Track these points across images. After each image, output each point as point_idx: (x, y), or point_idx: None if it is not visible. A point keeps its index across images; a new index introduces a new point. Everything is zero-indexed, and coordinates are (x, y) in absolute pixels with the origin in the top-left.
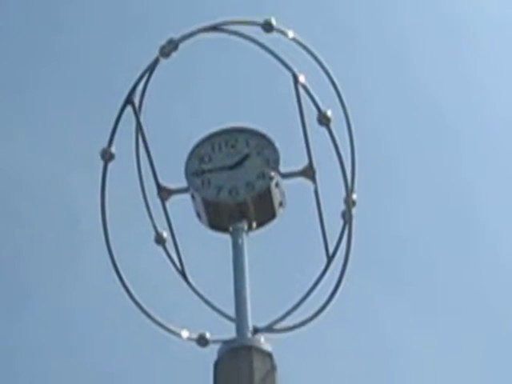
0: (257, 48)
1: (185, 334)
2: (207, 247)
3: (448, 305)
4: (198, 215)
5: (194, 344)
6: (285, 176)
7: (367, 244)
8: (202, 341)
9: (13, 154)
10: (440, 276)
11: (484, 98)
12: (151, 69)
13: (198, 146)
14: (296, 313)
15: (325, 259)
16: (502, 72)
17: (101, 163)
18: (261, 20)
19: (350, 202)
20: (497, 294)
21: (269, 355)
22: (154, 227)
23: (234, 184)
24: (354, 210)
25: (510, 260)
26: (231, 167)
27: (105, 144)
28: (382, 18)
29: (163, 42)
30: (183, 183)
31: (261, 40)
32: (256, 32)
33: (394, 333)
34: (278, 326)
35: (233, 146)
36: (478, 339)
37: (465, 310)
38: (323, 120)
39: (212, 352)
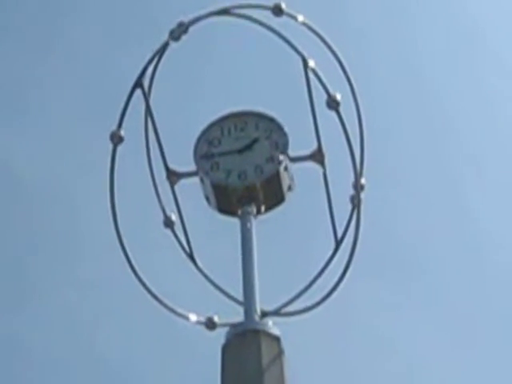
0: (266, 32)
1: (193, 317)
2: (216, 231)
3: (458, 299)
4: (207, 199)
5: (202, 327)
6: (294, 160)
7: (376, 229)
8: (210, 324)
9: (16, 151)
10: (450, 269)
11: (493, 94)
12: (161, 52)
13: (207, 129)
14: (304, 297)
15: (333, 244)
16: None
17: (110, 147)
18: (271, 4)
19: (358, 187)
20: (505, 295)
21: (276, 339)
22: (163, 210)
23: (242, 168)
24: (362, 195)
25: None
26: (240, 151)
27: (113, 128)
28: (393, 7)
29: (173, 25)
30: (192, 167)
31: (271, 24)
32: (266, 16)
33: (399, 320)
34: (285, 310)
35: (242, 130)
36: (485, 337)
37: (473, 308)
38: (332, 104)
39: (220, 335)
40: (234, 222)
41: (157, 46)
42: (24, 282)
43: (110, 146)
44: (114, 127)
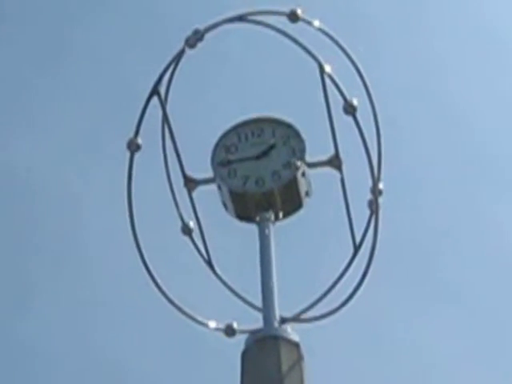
0: (282, 38)
1: (212, 324)
2: (234, 237)
3: (479, 305)
4: (225, 205)
5: (221, 334)
6: (311, 166)
7: (394, 234)
8: (229, 331)
9: (19, 153)
10: (471, 273)
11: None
12: (177, 59)
13: (224, 136)
14: (323, 303)
15: (351, 249)
16: None
17: (127, 154)
18: (286, 10)
19: (376, 192)
20: None
21: (296, 345)
22: (181, 218)
23: (260, 174)
24: (380, 200)
25: None
26: (257, 157)
27: (131, 135)
28: (408, 11)
29: (189, 32)
30: (209, 173)
31: (286, 30)
32: (281, 22)
33: (419, 326)
34: (304, 316)
35: (259, 136)
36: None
37: (496, 313)
38: (349, 109)
39: (239, 342)
40: (252, 229)
41: (173, 53)
42: (30, 285)
43: (128, 154)
44: (131, 135)
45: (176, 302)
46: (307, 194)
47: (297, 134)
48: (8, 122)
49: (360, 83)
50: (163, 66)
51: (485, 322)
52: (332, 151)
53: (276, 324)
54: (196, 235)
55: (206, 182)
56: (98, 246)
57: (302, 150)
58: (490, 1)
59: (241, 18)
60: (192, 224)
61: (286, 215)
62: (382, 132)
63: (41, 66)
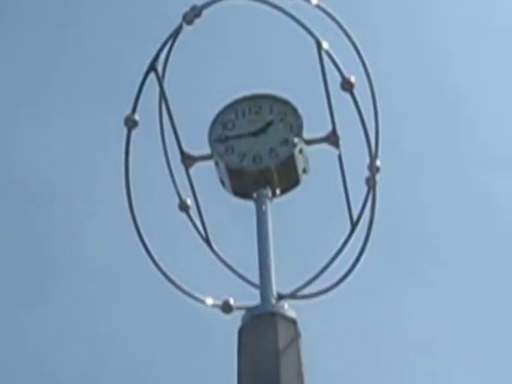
0: (280, 14)
1: (209, 300)
2: (231, 214)
3: (474, 284)
4: (222, 182)
5: (218, 311)
6: (308, 142)
7: (391, 211)
8: (226, 307)
9: (21, 146)
10: (467, 254)
11: None
12: (174, 36)
13: (221, 112)
14: (320, 279)
15: (349, 226)
16: None
17: (124, 130)
18: None
19: (373, 168)
20: None
21: (293, 322)
22: (178, 194)
23: (257, 150)
24: (377, 177)
25: None
26: (255, 134)
27: (128, 112)
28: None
29: (186, 8)
30: (207, 150)
31: (284, 7)
32: None
33: (414, 304)
34: (302, 293)
35: (256, 113)
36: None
37: (489, 292)
38: (346, 86)
39: (236, 319)
40: (250, 205)
41: (170, 30)
42: (32, 278)
43: (125, 131)
44: (128, 111)
45: (173, 278)
46: (304, 170)
47: (294, 111)
48: (6, 113)
49: (358, 61)
50: (160, 42)
51: (484, 302)
52: (329, 128)
53: (273, 301)
54: (193, 212)
55: (204, 158)
56: (95, 222)
57: (300, 127)
58: None
59: None
60: (189, 201)
61: (283, 192)
62: (379, 109)
63: (38, 49)
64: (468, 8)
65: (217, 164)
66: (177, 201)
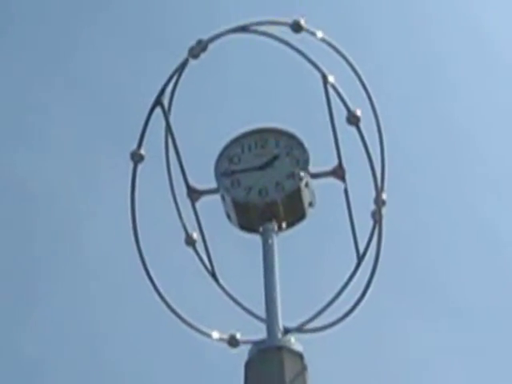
0: (285, 48)
1: (215, 334)
2: (237, 248)
3: (481, 323)
4: (228, 216)
5: (224, 345)
6: (314, 176)
7: (397, 244)
8: (232, 341)
9: (24, 161)
10: (472, 289)
11: None
12: (180, 70)
13: (227, 146)
14: (326, 313)
15: (355, 260)
16: None
17: (130, 165)
18: (289, 20)
19: (380, 202)
20: None
21: (299, 355)
22: (184, 228)
23: (263, 184)
24: (384, 210)
25: None
26: (261, 168)
27: (134, 146)
28: (411, 22)
29: (192, 43)
30: (213, 184)
31: (289, 40)
32: (284, 32)
33: (421, 338)
34: (308, 327)
35: (262, 147)
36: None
37: (495, 324)
38: (352, 119)
39: (243, 353)
40: (256, 239)
41: (176, 63)
42: (32, 293)
43: (131, 165)
44: (134, 146)
45: (179, 312)
46: (311, 204)
47: (300, 145)
48: (8, 132)
49: (363, 94)
50: (166, 76)
51: (488, 338)
52: (335, 161)
53: (279, 334)
54: (199, 246)
55: (210, 192)
56: (100, 255)
57: (306, 161)
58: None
59: (244, 29)
60: (195, 235)
61: (289, 226)
62: (385, 143)
63: (44, 77)
64: (474, 42)
65: (223, 198)
66: (183, 235)
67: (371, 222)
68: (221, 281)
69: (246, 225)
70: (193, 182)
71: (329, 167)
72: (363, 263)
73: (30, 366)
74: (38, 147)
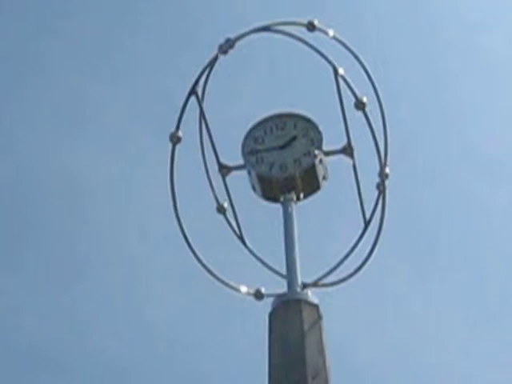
0: (302, 45)
1: (243, 289)
2: (261, 216)
3: (468, 277)
4: (254, 188)
5: (251, 298)
6: (327, 154)
7: (399, 213)
8: (258, 295)
9: (74, 153)
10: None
11: None
12: (212, 64)
13: (252, 129)
14: (338, 270)
15: (362, 225)
16: None
17: (169, 146)
18: (305, 21)
19: (383, 175)
20: None
21: (315, 306)
22: (216, 199)
23: (283, 161)
24: (387, 182)
25: None
26: (281, 147)
27: (172, 129)
28: (415, 23)
29: (222, 41)
30: (240, 161)
31: (305, 38)
32: (300, 31)
33: (419, 290)
34: (323, 282)
35: (282, 129)
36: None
37: (484, 286)
38: (359, 105)
39: (267, 305)
40: (277, 208)
41: (208, 58)
42: (77, 261)
43: (170, 146)
44: (172, 129)
45: (213, 271)
46: (324, 177)
47: (315, 127)
48: (63, 127)
49: (369, 83)
50: (200, 69)
51: (480, 287)
52: (345, 141)
53: (298, 289)
54: (229, 214)
55: (238, 168)
56: (146, 223)
57: (320, 141)
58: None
59: (266, 28)
60: (226, 204)
61: (306, 196)
62: (387, 125)
63: (94, 74)
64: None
65: (249, 173)
66: (215, 205)
67: (376, 193)
68: (248, 243)
69: (269, 196)
70: (223, 160)
71: (339, 146)
72: (369, 228)
73: (81, 325)
74: (91, 137)
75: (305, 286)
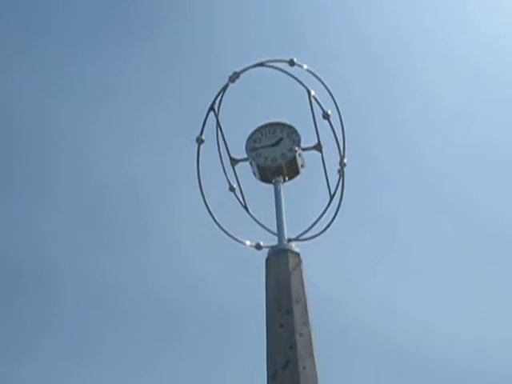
0: (285, 75)
1: (248, 243)
2: (260, 192)
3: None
4: (254, 174)
5: (253, 249)
6: (304, 149)
7: (355, 189)
8: (258, 247)
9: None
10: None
11: None
12: (224, 89)
13: (252, 133)
14: (312, 230)
15: (328, 198)
16: None
17: (196, 145)
18: (287, 59)
19: (342, 164)
20: None
21: (297, 254)
22: (228, 181)
23: (274, 155)
24: (345, 169)
25: None
26: (272, 145)
27: (197, 134)
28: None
29: (229, 73)
30: (245, 155)
31: (288, 71)
32: (284, 66)
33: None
34: (302, 237)
35: (273, 133)
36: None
37: (430, 248)
38: (326, 116)
39: (264, 253)
40: (270, 187)
41: (221, 85)
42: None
43: (196, 146)
44: (197, 134)
45: (227, 230)
46: (302, 166)
47: (295, 131)
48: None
49: (332, 101)
50: (216, 92)
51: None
52: (316, 141)
53: (285, 242)
54: (237, 191)
55: (243, 160)
56: (183, 201)
57: (299, 141)
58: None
59: (261, 64)
60: (235, 185)
61: (290, 179)
62: (345, 129)
63: (148, 103)
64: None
65: (251, 164)
66: (227, 185)
67: (337, 176)
68: (250, 211)
69: (265, 179)
70: (233, 154)
71: (312, 144)
72: (333, 201)
73: (102, 290)
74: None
75: (289, 240)
